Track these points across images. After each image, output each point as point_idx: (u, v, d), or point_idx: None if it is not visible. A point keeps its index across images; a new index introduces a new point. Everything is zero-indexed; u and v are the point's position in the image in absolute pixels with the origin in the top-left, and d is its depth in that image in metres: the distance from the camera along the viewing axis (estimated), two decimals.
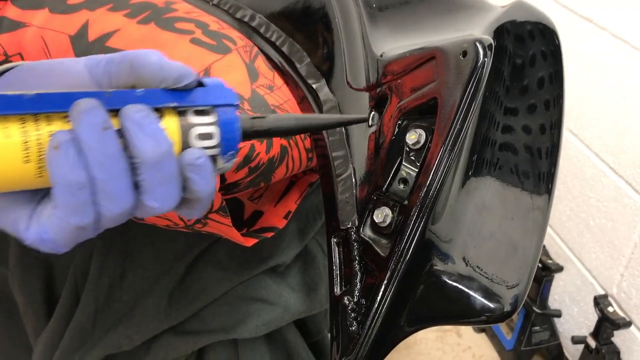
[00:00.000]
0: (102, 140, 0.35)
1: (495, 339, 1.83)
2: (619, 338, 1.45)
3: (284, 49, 0.67)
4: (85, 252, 0.72)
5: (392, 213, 0.51)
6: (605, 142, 1.47)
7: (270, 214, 0.69)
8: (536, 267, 0.52)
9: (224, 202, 0.57)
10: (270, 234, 0.67)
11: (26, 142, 0.35)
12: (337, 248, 0.55)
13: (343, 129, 0.61)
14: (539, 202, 0.54)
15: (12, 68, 0.39)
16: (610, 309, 1.41)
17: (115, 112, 0.37)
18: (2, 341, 0.86)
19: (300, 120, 0.43)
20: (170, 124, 0.38)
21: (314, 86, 0.64)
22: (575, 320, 1.67)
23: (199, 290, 0.70)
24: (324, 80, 0.64)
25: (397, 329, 0.48)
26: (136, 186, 0.37)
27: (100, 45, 0.62)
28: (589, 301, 1.55)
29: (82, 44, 0.62)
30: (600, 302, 1.43)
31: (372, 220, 0.53)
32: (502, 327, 1.82)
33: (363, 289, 0.50)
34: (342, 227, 0.55)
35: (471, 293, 0.48)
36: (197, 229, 0.62)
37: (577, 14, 1.51)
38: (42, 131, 0.35)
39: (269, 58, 0.67)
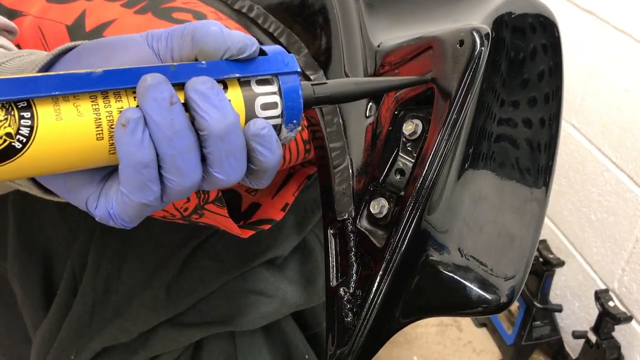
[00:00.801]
0: (169, 115, 0.35)
1: (495, 333, 1.82)
2: (620, 333, 1.45)
3: (282, 40, 0.67)
4: (83, 244, 0.72)
5: (389, 204, 0.50)
6: (607, 136, 1.46)
7: (267, 206, 0.69)
8: (533, 258, 0.52)
9: (220, 193, 0.56)
10: (267, 226, 0.67)
11: (98, 120, 0.35)
12: (333, 239, 0.55)
13: (341, 120, 0.61)
14: (536, 193, 0.54)
15: (72, 48, 0.40)
16: (611, 303, 1.40)
17: (180, 85, 0.37)
18: (1, 333, 0.86)
19: (359, 84, 0.43)
20: (235, 95, 0.38)
21: (312, 77, 0.63)
22: (576, 315, 1.67)
23: (196, 282, 0.70)
24: (322, 71, 0.64)
25: (392, 320, 0.48)
26: (203, 159, 0.37)
27: (97, 36, 0.62)
28: (590, 296, 1.55)
29: (79, 34, 0.62)
30: (601, 296, 1.43)
31: (369, 212, 0.52)
32: (503, 322, 1.82)
33: (359, 280, 0.50)
34: (338, 219, 0.55)
35: (467, 284, 0.48)
36: (193, 220, 0.62)
37: (578, 7, 1.50)
38: (112, 108, 0.36)
39: None
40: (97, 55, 0.38)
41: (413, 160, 0.50)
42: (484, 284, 0.48)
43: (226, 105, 0.36)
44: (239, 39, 0.38)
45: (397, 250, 0.47)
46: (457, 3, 0.61)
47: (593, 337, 1.45)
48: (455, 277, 0.48)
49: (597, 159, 1.50)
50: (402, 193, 0.50)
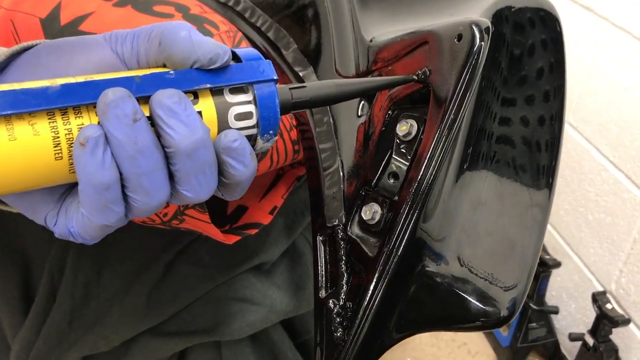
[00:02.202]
0: (133, 133, 0.32)
1: (491, 335, 1.80)
2: (617, 335, 1.42)
3: (270, 34, 0.63)
4: (61, 247, 0.69)
5: (382, 210, 0.47)
6: (605, 135, 1.44)
7: (254, 210, 0.65)
8: (535, 267, 0.49)
9: None
10: (254, 231, 0.63)
11: (56, 138, 0.32)
12: (323, 247, 0.51)
13: (331, 119, 0.57)
14: (538, 198, 0.51)
15: (30, 47, 0.37)
16: (608, 305, 1.38)
17: (147, 98, 0.34)
18: None
19: (340, 86, 0.40)
20: (206, 107, 0.35)
21: (300, 74, 0.60)
22: (572, 316, 1.64)
23: (179, 289, 0.66)
24: (311, 67, 0.61)
25: (385, 335, 0.45)
26: (171, 175, 0.35)
27: (73, 30, 0.58)
28: (587, 297, 1.53)
29: (53, 28, 0.58)
30: (598, 299, 1.40)
31: (360, 218, 0.49)
32: None
33: (349, 292, 0.47)
34: (328, 225, 0.51)
35: (465, 296, 0.44)
36: (174, 226, 0.59)
37: (577, 3, 1.47)
38: (72, 125, 0.33)
39: (254, 44, 0.64)
40: (56, 56, 0.35)
41: (407, 163, 0.47)
42: (483, 297, 0.45)
43: (194, 121, 0.34)
44: (209, 48, 0.35)
45: (390, 259, 0.44)
46: None
47: (590, 340, 1.43)
48: (453, 288, 0.44)
49: (594, 158, 1.48)
50: (396, 198, 0.46)
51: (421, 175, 0.43)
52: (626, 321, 1.36)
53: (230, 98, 0.36)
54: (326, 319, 0.47)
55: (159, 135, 0.34)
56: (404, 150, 0.47)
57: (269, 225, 0.67)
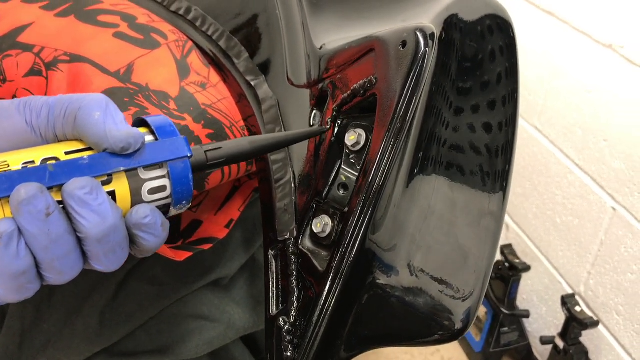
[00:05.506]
0: (46, 226, 0.33)
1: (463, 340, 1.79)
2: (587, 337, 1.43)
3: (222, 43, 0.62)
4: None
5: (332, 222, 0.46)
6: (570, 138, 1.44)
7: (209, 224, 0.63)
8: (489, 276, 0.48)
9: None
10: (207, 246, 0.61)
11: None
12: (274, 262, 0.50)
13: (283, 129, 0.56)
14: (491, 204, 0.50)
15: None
16: (577, 308, 1.38)
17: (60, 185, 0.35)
18: None
19: (255, 142, 0.42)
20: (120, 186, 0.36)
21: (252, 83, 0.59)
22: (544, 319, 1.65)
23: (133, 308, 0.64)
24: (263, 76, 0.59)
25: (336, 353, 0.43)
26: (83, 251, 0.36)
27: (12, 41, 0.56)
28: (557, 300, 1.53)
29: None
30: (567, 301, 1.40)
31: (312, 230, 0.48)
32: (471, 329, 1.79)
33: (300, 309, 0.45)
34: (279, 239, 0.50)
35: (418, 309, 0.43)
36: None
37: (538, 8, 1.48)
38: None
39: (205, 53, 0.62)
40: None
41: (356, 174, 0.46)
42: (437, 309, 0.43)
43: (106, 209, 0.35)
44: (121, 138, 0.35)
45: (339, 273, 0.42)
46: (406, 2, 0.57)
47: (560, 343, 1.43)
48: (405, 301, 0.43)
49: (560, 161, 1.48)
50: (346, 209, 0.45)
51: (369, 185, 0.42)
52: (595, 323, 1.36)
53: (144, 174, 0.37)
54: (276, 338, 0.45)
55: (70, 220, 0.35)
56: (353, 161, 0.46)
57: (226, 239, 0.65)
